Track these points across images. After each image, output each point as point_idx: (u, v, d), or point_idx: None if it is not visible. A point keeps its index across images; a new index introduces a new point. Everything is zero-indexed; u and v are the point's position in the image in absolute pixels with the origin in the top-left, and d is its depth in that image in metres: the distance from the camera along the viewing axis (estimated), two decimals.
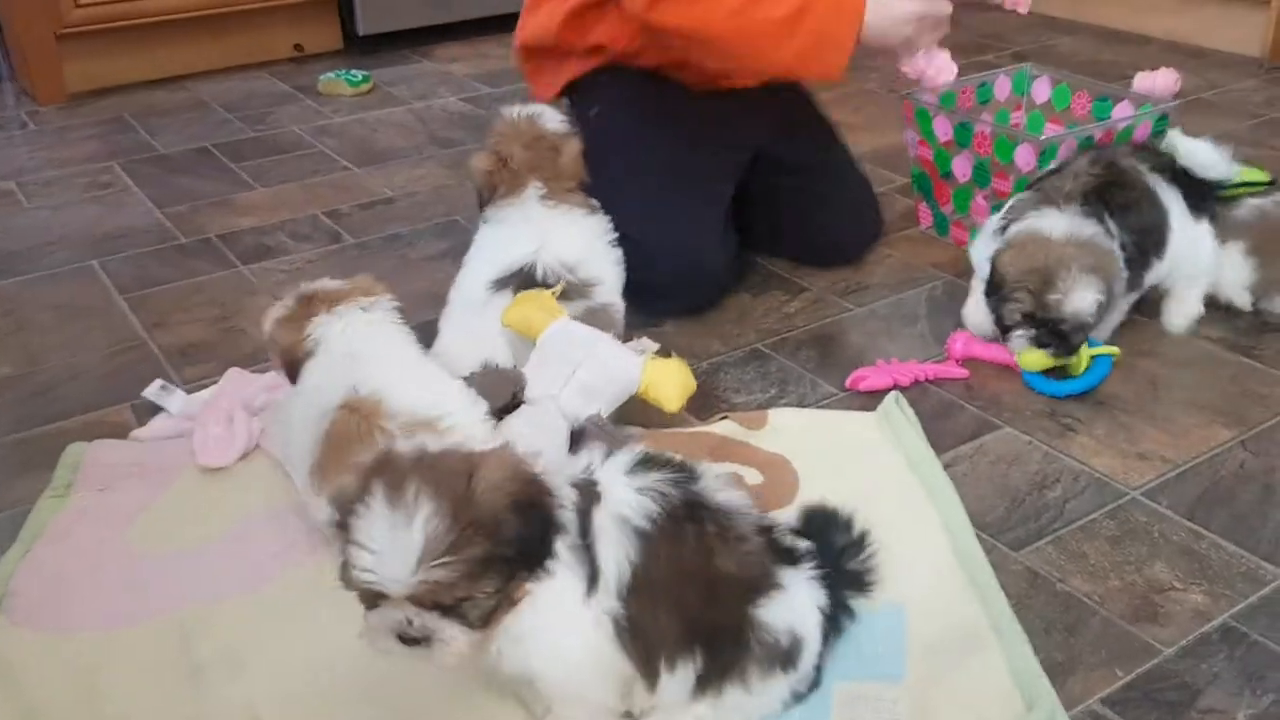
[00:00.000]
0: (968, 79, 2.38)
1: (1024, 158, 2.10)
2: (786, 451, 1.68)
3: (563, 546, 1.08)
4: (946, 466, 1.65)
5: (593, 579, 1.10)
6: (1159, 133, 2.17)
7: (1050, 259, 1.78)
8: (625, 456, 1.18)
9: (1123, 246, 1.85)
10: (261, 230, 2.47)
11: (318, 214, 2.54)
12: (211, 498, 1.63)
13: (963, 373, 1.88)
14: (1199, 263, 1.98)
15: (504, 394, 1.60)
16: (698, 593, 1.14)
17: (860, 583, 1.34)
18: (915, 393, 1.82)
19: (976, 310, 1.94)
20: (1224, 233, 2.01)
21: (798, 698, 1.24)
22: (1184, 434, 1.72)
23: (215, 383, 1.86)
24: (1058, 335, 1.79)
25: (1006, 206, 1.96)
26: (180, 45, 3.45)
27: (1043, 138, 2.13)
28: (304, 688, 1.31)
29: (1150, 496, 1.59)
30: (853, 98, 3.08)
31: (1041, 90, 2.43)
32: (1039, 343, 1.80)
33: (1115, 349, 1.86)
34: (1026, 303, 1.79)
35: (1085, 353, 1.83)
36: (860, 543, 1.35)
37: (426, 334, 2.02)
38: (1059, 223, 1.83)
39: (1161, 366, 1.90)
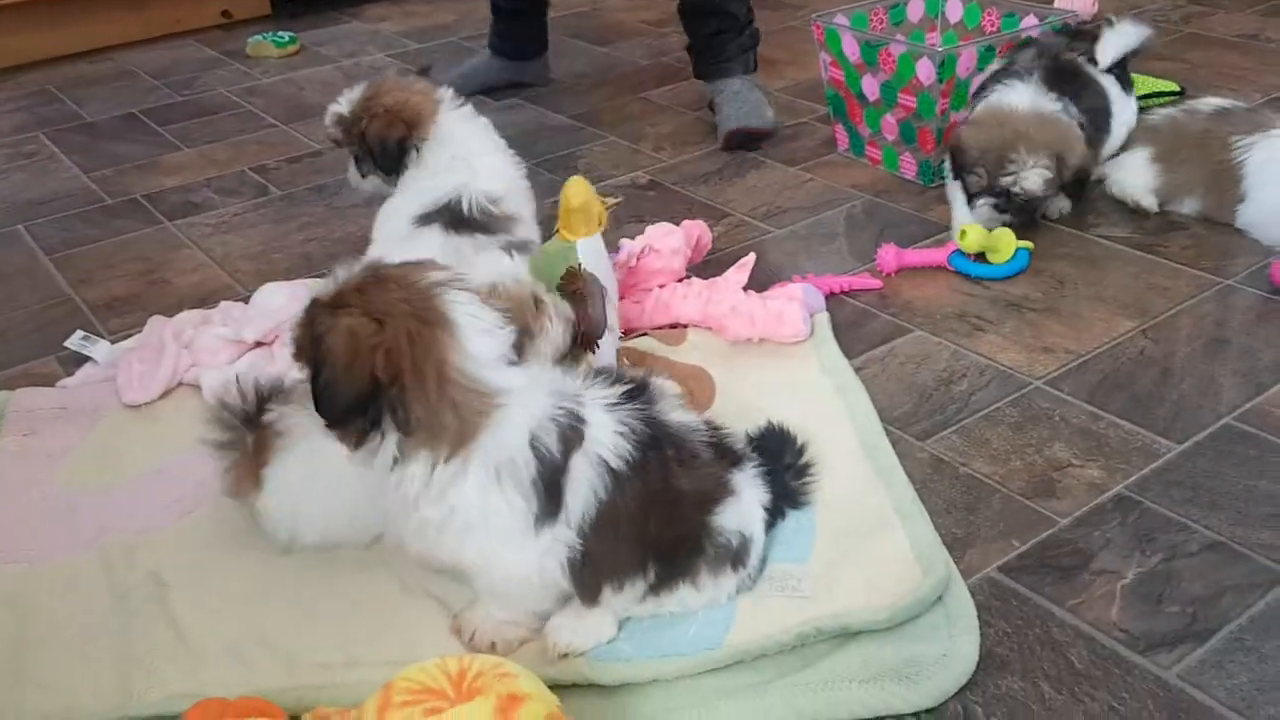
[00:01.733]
0: (879, 1, 2.43)
1: (924, 71, 2.16)
2: (704, 363, 1.72)
3: (525, 478, 1.10)
4: (859, 369, 1.69)
5: (553, 514, 1.12)
6: None
7: (1006, 138, 1.92)
8: (608, 388, 1.20)
9: (1081, 126, 2.00)
10: (188, 188, 2.48)
11: (245, 170, 2.55)
12: (136, 435, 1.65)
13: (876, 283, 1.92)
14: (1126, 126, 2.16)
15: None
16: (658, 517, 1.18)
17: (797, 497, 1.39)
18: (832, 304, 1.86)
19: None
20: (1134, 139, 2.08)
21: (742, 589, 1.28)
22: (1088, 327, 1.77)
23: (140, 332, 1.88)
24: (1015, 207, 1.94)
25: (978, 85, 2.13)
26: (108, 17, 3.42)
27: (940, 50, 2.18)
28: (226, 604, 1.34)
29: (1053, 385, 1.64)
30: (776, 34, 3.10)
31: (954, 10, 2.49)
32: (999, 209, 1.95)
33: (1030, 244, 1.95)
34: (984, 178, 1.94)
35: (1009, 242, 1.91)
36: (805, 464, 1.41)
37: None
38: (1024, 96, 1.98)
39: (1070, 266, 1.95)
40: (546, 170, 2.46)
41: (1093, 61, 2.12)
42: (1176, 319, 1.78)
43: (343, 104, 1.82)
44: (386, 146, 1.77)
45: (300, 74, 3.15)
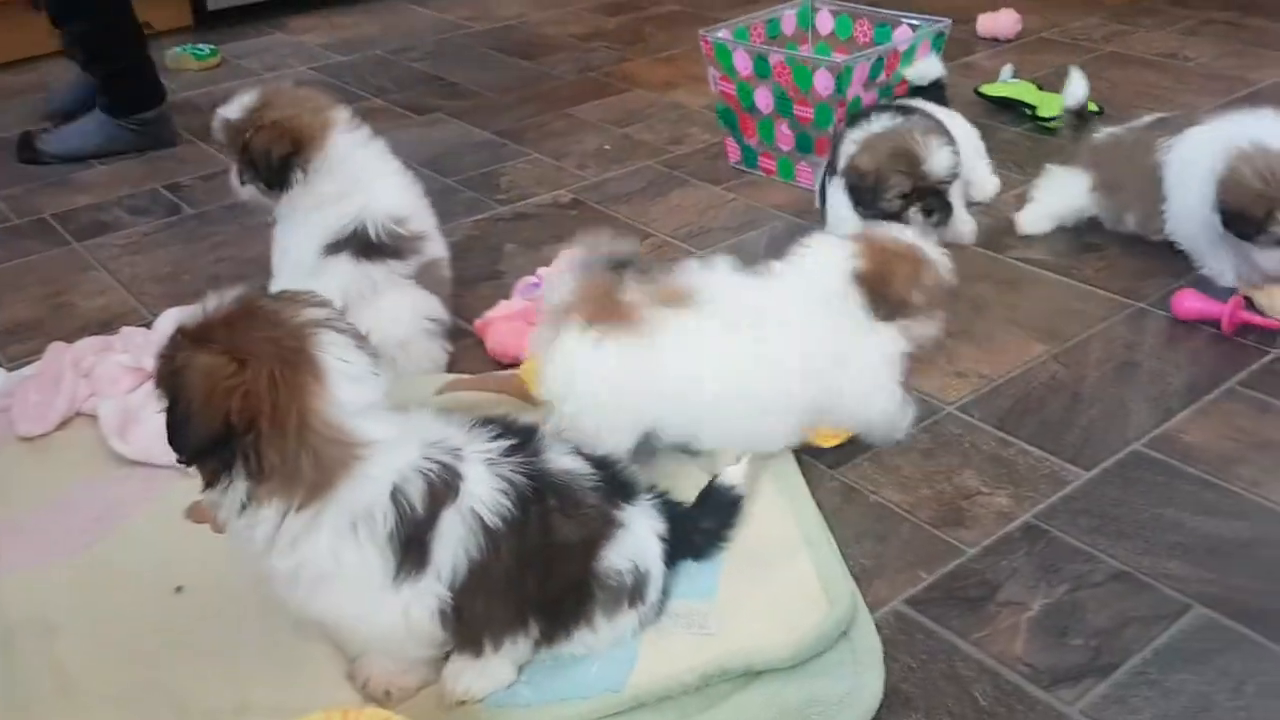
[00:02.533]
0: (755, 16, 2.48)
1: (823, 82, 2.18)
2: None
3: (381, 532, 1.06)
4: None
5: (417, 568, 1.08)
6: (938, 49, 2.35)
7: (902, 140, 1.95)
8: (492, 440, 1.16)
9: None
10: (99, 207, 2.41)
11: (158, 187, 2.49)
12: (30, 468, 1.60)
13: None
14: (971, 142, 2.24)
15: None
16: (537, 573, 1.15)
17: (700, 552, 1.36)
18: None
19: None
20: (1075, 161, 2.09)
21: (644, 625, 1.26)
22: (1001, 351, 1.78)
23: (40, 359, 1.82)
24: (939, 197, 1.96)
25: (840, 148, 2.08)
26: (24, 27, 3.33)
27: (838, 60, 2.21)
28: (116, 648, 1.30)
29: (964, 410, 1.64)
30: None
31: (825, 22, 2.55)
32: (926, 210, 1.95)
33: None
34: (903, 182, 1.94)
35: None
36: (726, 529, 1.39)
37: None
38: (885, 120, 2.02)
39: (987, 289, 1.95)
40: (469, 188, 2.43)
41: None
42: (1088, 343, 1.79)
43: (233, 109, 1.73)
44: (270, 161, 1.70)
45: (220, 87, 3.07)
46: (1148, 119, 2.02)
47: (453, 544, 1.09)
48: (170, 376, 1.01)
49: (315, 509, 1.03)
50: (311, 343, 1.03)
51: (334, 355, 1.03)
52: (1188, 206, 1.84)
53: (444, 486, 1.09)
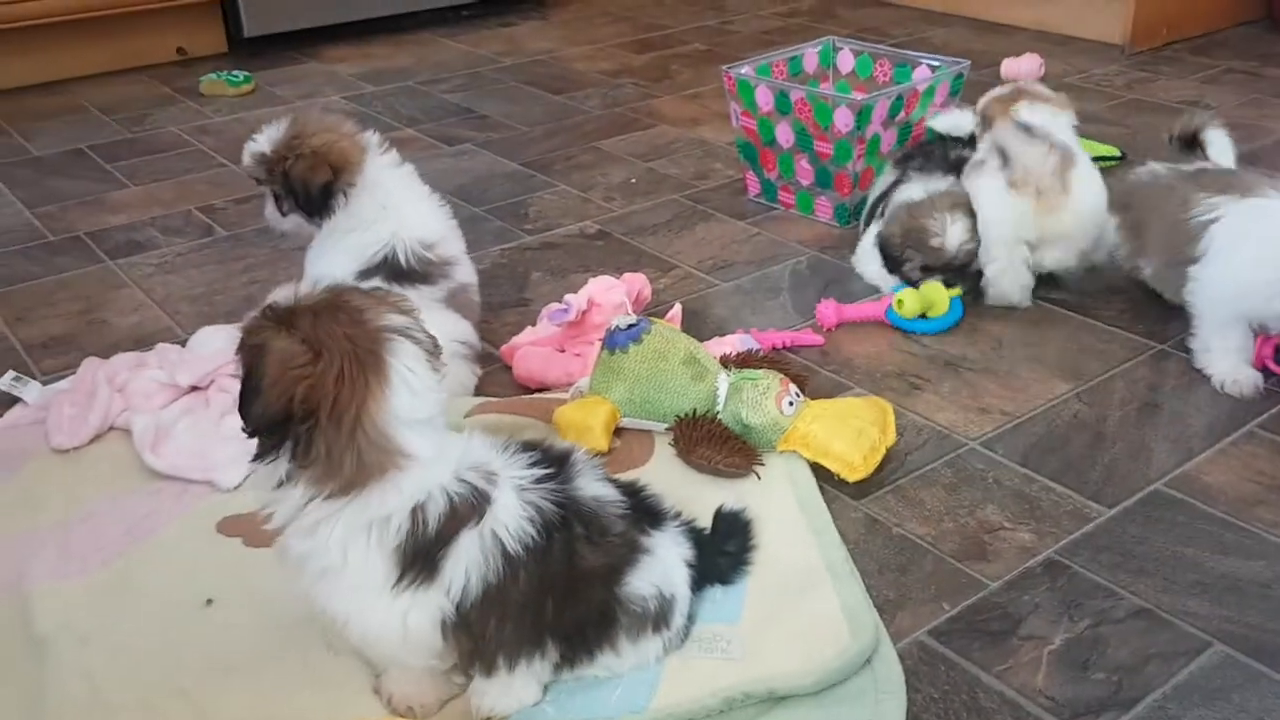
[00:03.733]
0: (777, 54, 2.54)
1: (843, 119, 2.22)
2: None
3: (390, 542, 1.08)
4: None
5: (423, 581, 1.10)
6: (956, 90, 2.38)
7: (917, 215, 1.99)
8: (523, 459, 1.18)
9: None
10: (132, 227, 2.45)
11: (191, 209, 2.53)
12: (62, 479, 1.62)
13: (818, 339, 1.93)
14: None
15: None
16: (557, 601, 1.16)
17: (727, 576, 1.38)
18: (776, 356, 1.86)
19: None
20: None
21: (669, 649, 1.27)
22: (1023, 388, 1.79)
23: (74, 374, 1.85)
24: (955, 271, 1.99)
25: (876, 196, 2.16)
26: (60, 49, 3.40)
27: (858, 98, 2.25)
28: (145, 660, 1.31)
29: (988, 446, 1.66)
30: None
31: (845, 61, 2.60)
32: (948, 283, 1.99)
33: (959, 290, 2.00)
34: (918, 259, 1.99)
35: (943, 296, 1.97)
36: (747, 550, 1.41)
37: None
38: (915, 188, 2.04)
39: (1008, 327, 1.97)
40: (497, 218, 2.46)
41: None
42: (1110, 382, 1.80)
43: (262, 141, 1.75)
44: (310, 190, 1.72)
45: (253, 114, 3.13)
46: (1192, 166, 1.92)
47: (467, 563, 1.10)
48: (250, 350, 1.05)
49: (340, 503, 1.06)
50: (385, 347, 1.05)
51: (403, 364, 1.06)
52: (1228, 279, 1.73)
53: (469, 508, 1.11)
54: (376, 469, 1.05)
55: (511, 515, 1.13)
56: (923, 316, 1.96)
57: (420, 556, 1.09)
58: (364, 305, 1.08)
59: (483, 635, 1.14)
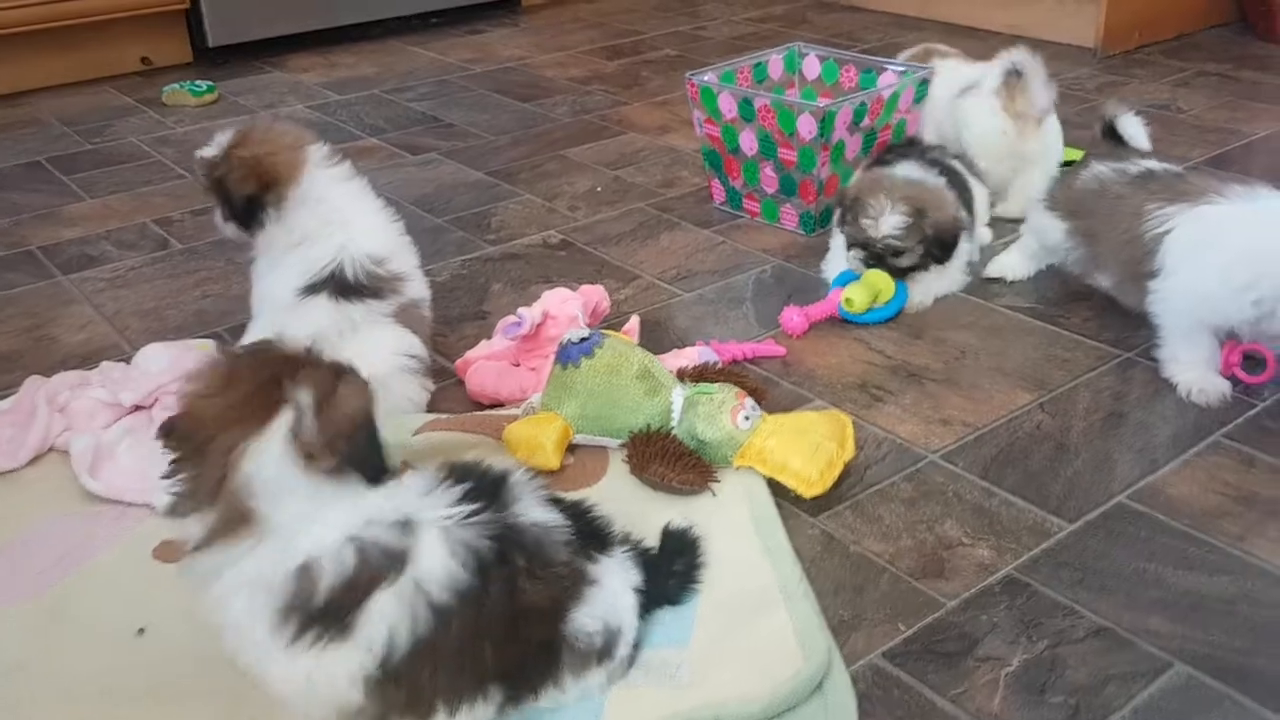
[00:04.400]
0: (742, 60, 2.51)
1: (806, 127, 2.19)
2: None
3: (271, 606, 1.02)
4: None
5: (330, 640, 1.03)
6: (921, 97, 2.38)
7: (870, 187, 1.99)
8: (453, 494, 1.12)
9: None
10: (86, 240, 2.40)
11: (147, 222, 2.48)
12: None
13: (780, 350, 1.90)
14: (987, 208, 2.29)
15: None
16: (497, 644, 1.11)
17: (676, 597, 1.34)
18: (735, 368, 1.83)
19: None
20: (1054, 205, 2.01)
21: (613, 680, 1.23)
22: (986, 399, 1.76)
23: (15, 394, 1.80)
24: (876, 255, 1.97)
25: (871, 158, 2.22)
26: (22, 61, 3.35)
27: (822, 105, 2.22)
28: (82, 687, 1.27)
29: (948, 459, 1.62)
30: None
31: (811, 67, 2.58)
32: (867, 262, 1.98)
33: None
34: (848, 223, 2.00)
35: (887, 282, 1.97)
36: (694, 568, 1.37)
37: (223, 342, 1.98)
38: (902, 168, 2.05)
39: (972, 337, 1.94)
40: (459, 228, 2.42)
41: (947, 153, 2.24)
42: (1075, 392, 1.77)
43: (211, 148, 1.72)
44: (234, 201, 1.69)
45: (216, 124, 3.08)
46: (1135, 167, 1.89)
47: (388, 620, 1.04)
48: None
49: (213, 555, 1.02)
50: (277, 404, 1.02)
51: (284, 423, 1.01)
52: (1190, 290, 1.70)
53: (380, 567, 1.05)
54: (239, 526, 1.01)
55: (437, 562, 1.07)
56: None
57: (320, 618, 1.03)
58: (270, 361, 1.06)
59: (415, 687, 1.08)
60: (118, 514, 1.54)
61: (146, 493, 1.55)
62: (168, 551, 1.45)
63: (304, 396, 1.03)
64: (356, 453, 1.05)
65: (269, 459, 1.01)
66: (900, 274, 1.98)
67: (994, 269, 2.11)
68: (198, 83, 3.28)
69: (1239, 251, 1.65)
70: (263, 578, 1.02)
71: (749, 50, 3.56)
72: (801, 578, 1.38)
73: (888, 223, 1.94)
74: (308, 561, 1.02)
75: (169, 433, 1.04)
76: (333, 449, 1.03)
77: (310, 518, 1.03)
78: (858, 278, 1.98)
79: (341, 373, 1.07)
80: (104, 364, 1.85)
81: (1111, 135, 2.01)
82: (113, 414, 1.71)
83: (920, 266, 1.99)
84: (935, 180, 2.05)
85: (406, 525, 1.07)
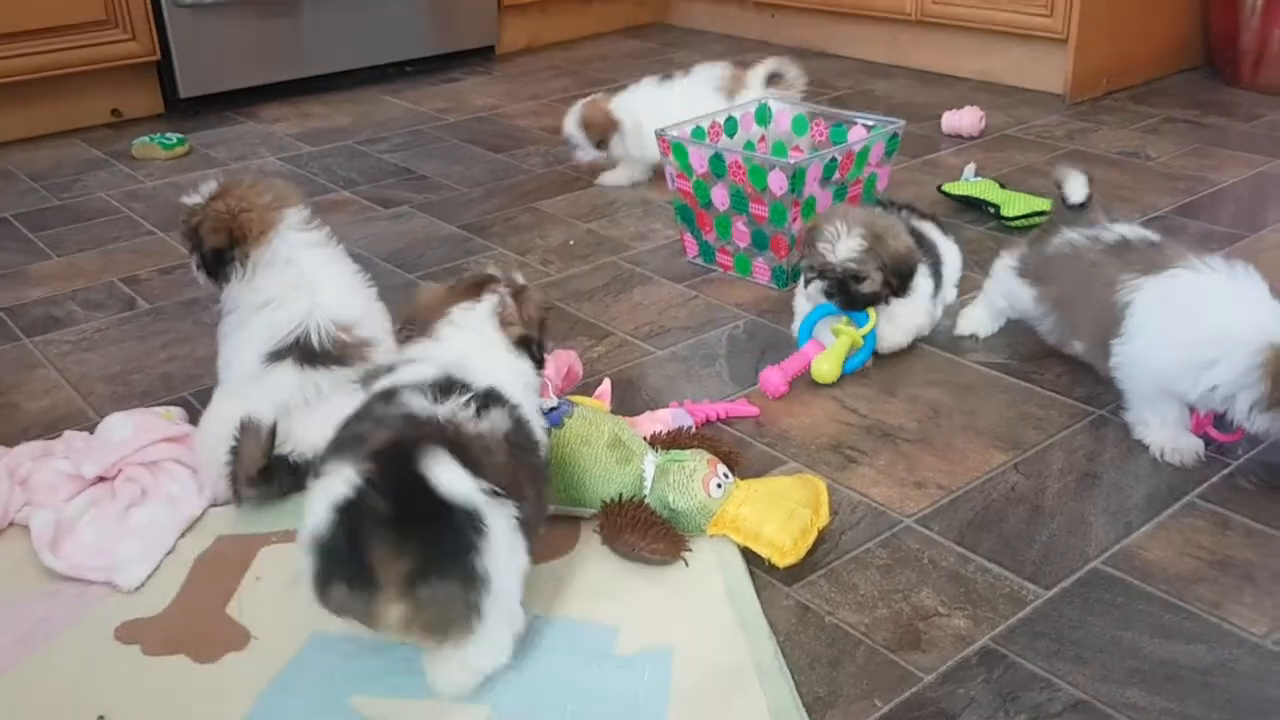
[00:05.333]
0: (713, 114, 2.53)
1: (777, 182, 2.19)
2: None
3: None
4: None
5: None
6: (892, 151, 2.37)
7: (828, 217, 1.99)
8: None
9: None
10: (52, 300, 2.38)
11: (114, 280, 2.46)
12: None
13: (753, 410, 1.89)
14: (958, 270, 2.27)
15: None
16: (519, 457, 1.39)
17: None
18: (709, 431, 1.82)
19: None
20: (1025, 272, 1.98)
21: None
22: (960, 460, 1.75)
23: None
24: (839, 285, 1.95)
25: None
26: None
27: (792, 161, 2.23)
28: None
29: (923, 523, 1.61)
30: None
31: (782, 121, 2.59)
32: (826, 292, 1.97)
33: (874, 317, 1.99)
34: (809, 256, 1.98)
35: (855, 334, 1.97)
36: None
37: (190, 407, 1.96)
38: (862, 210, 2.06)
39: (945, 394, 1.93)
40: (432, 281, 2.40)
41: (917, 214, 2.26)
42: (1049, 452, 1.76)
43: (196, 195, 1.75)
44: (204, 252, 1.72)
45: (186, 177, 3.07)
46: (1110, 234, 1.84)
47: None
48: None
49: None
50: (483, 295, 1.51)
51: None
52: (1147, 357, 1.69)
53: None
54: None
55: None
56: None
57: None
58: None
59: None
60: (78, 592, 1.50)
61: (108, 570, 1.52)
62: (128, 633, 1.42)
63: (504, 290, 1.49)
64: (532, 335, 1.50)
65: (475, 317, 1.46)
66: (862, 303, 1.96)
67: (965, 326, 2.10)
68: (168, 135, 3.27)
69: (1207, 328, 1.62)
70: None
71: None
72: (776, 652, 1.36)
73: (845, 246, 1.93)
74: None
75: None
76: (526, 323, 1.50)
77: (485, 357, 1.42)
78: (830, 312, 1.98)
79: (526, 286, 1.54)
80: (67, 433, 1.82)
81: (1066, 201, 1.94)
82: (75, 486, 1.68)
83: (881, 297, 1.97)
84: (890, 216, 2.06)
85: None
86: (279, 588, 1.49)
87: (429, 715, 1.29)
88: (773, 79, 2.81)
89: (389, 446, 1.23)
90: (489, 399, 1.34)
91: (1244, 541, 1.55)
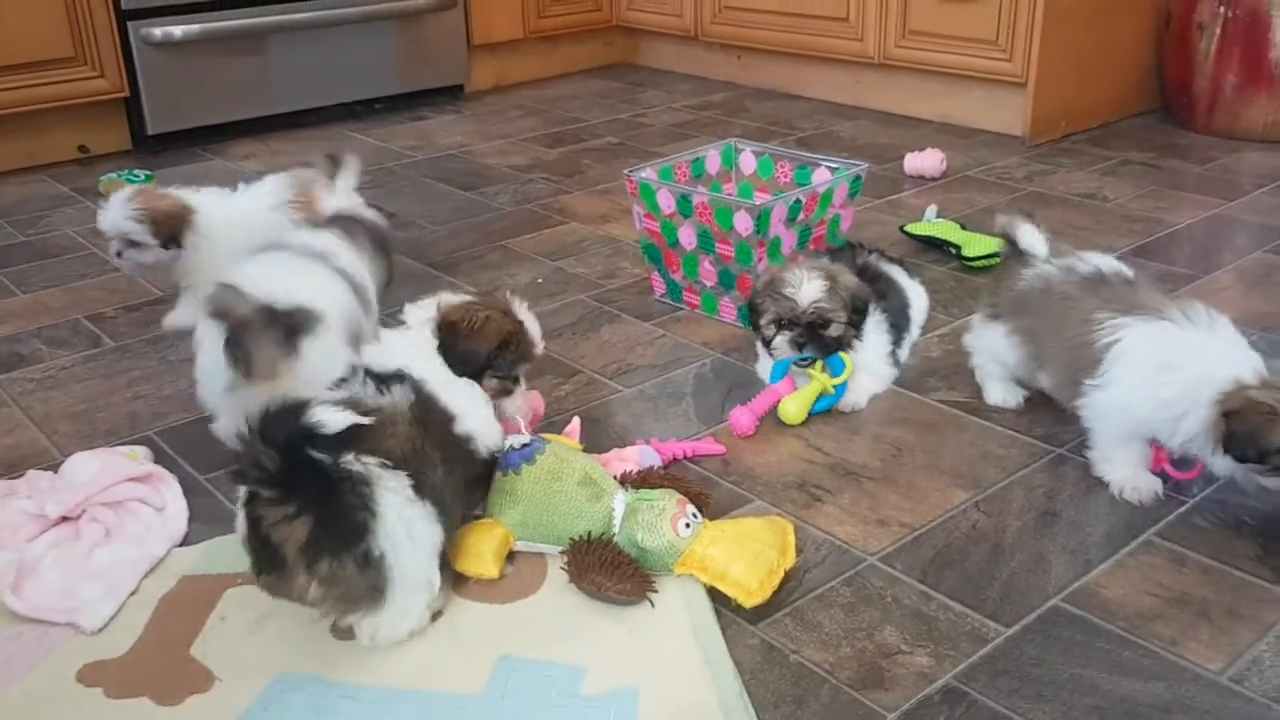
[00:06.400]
0: (680, 155, 2.56)
1: (742, 223, 2.22)
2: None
3: None
4: None
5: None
6: (855, 192, 2.41)
7: (783, 269, 2.02)
8: None
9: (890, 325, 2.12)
10: (16, 339, 2.36)
11: (79, 318, 2.45)
12: None
13: (719, 449, 1.90)
14: (924, 313, 2.31)
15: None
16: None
17: None
18: (677, 470, 1.83)
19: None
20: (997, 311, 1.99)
21: None
22: (923, 498, 1.77)
23: None
24: (809, 330, 1.97)
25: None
26: None
27: (757, 202, 2.26)
28: None
29: (886, 561, 1.63)
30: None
31: (748, 163, 2.63)
32: (796, 343, 1.97)
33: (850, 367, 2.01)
34: (772, 308, 1.98)
35: (826, 380, 1.99)
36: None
37: (176, 438, 1.97)
38: (807, 257, 2.12)
39: (907, 432, 1.96)
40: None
41: (885, 258, 2.29)
42: (1009, 490, 1.79)
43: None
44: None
45: None
46: (1082, 267, 1.87)
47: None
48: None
49: None
50: None
51: None
52: (1128, 405, 1.71)
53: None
54: None
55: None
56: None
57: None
58: None
59: None
60: (40, 634, 1.49)
61: (71, 612, 1.51)
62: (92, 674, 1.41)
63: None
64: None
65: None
66: (830, 347, 1.97)
67: (992, 399, 2.04)
68: (135, 171, 3.26)
69: (1183, 385, 1.64)
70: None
71: (689, 138, 3.64)
72: (741, 691, 1.37)
73: (810, 289, 1.95)
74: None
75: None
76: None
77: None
78: (792, 363, 2.00)
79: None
80: (30, 473, 1.80)
81: (1015, 247, 1.97)
82: (39, 526, 1.67)
83: (847, 339, 1.99)
84: (824, 258, 2.13)
85: None
86: (244, 629, 1.48)
87: None
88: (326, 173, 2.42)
89: (272, 418, 1.31)
90: (393, 379, 1.51)
91: (1200, 579, 1.58)
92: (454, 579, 1.54)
